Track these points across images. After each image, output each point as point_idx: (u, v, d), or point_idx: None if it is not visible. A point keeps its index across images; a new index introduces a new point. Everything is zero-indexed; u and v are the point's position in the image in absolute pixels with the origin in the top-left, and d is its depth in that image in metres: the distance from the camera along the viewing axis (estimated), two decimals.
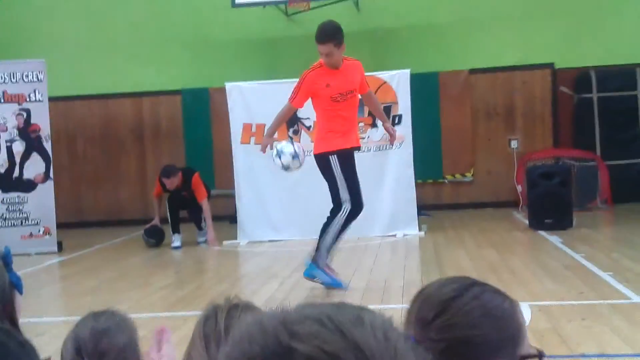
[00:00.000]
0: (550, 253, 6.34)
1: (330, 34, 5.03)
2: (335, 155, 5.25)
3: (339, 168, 5.27)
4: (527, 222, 7.92)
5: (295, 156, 5.31)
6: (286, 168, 5.40)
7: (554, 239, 7.01)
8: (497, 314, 1.12)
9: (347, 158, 5.29)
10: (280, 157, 5.30)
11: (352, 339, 0.54)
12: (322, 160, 5.32)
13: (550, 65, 10.10)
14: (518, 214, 9.15)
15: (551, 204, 7.53)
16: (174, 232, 8.14)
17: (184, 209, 8.41)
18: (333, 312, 0.57)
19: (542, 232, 7.44)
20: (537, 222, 7.61)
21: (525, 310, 4.31)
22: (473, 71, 10.19)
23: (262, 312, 1.19)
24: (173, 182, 8.17)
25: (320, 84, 5.13)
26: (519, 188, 9.51)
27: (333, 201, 5.36)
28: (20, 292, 1.62)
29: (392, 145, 5.91)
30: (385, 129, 5.66)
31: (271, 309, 0.63)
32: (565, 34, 9.98)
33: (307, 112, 8.28)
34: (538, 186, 7.71)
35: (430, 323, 1.10)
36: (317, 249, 5.31)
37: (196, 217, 8.36)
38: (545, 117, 10.19)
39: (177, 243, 8.10)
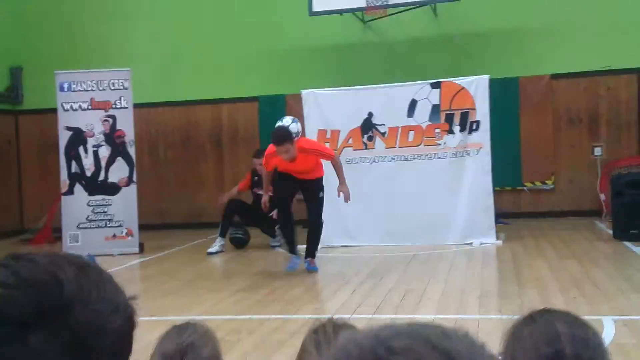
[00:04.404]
0: (635, 265, 6.08)
1: (286, 137, 6.15)
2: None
3: None
4: (610, 232, 7.62)
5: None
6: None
7: (639, 250, 6.72)
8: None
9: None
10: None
11: (443, 349, 0.59)
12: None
13: (636, 70, 9.70)
14: (601, 224, 8.82)
15: (637, 214, 7.23)
16: (220, 236, 8.21)
17: (245, 219, 8.54)
18: (420, 328, 0.62)
19: (627, 243, 7.14)
20: (622, 232, 7.32)
21: (608, 326, 4.15)
22: (555, 76, 9.90)
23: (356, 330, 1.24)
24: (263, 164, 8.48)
25: (277, 161, 6.40)
26: (602, 196, 9.16)
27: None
28: None
29: (346, 200, 6.62)
30: (338, 190, 6.55)
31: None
32: None
33: (382, 118, 8.29)
34: (623, 195, 7.41)
35: None
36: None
37: (269, 229, 8.45)
38: (630, 124, 9.79)
39: (215, 248, 8.10)
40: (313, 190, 6.58)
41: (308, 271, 6.61)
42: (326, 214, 8.23)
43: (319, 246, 6.93)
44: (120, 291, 0.81)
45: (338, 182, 6.56)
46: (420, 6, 9.40)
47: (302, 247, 8.17)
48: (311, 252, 6.75)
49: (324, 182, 6.70)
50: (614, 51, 9.70)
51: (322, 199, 6.63)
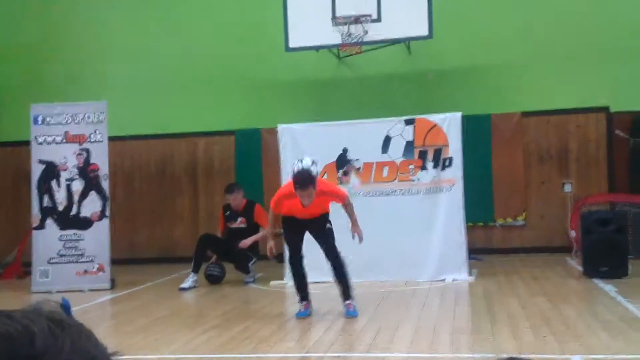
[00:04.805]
0: (605, 303, 6.16)
1: (311, 181, 5.93)
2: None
3: None
4: (581, 269, 7.72)
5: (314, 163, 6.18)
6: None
7: (609, 288, 6.82)
8: None
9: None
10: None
11: None
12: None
13: (605, 109, 9.94)
14: (571, 260, 8.94)
15: (606, 252, 7.35)
16: (192, 271, 8.15)
17: (218, 254, 8.53)
18: None
19: (597, 281, 7.24)
20: (592, 269, 7.42)
21: None
22: (525, 114, 10.10)
23: None
24: (236, 199, 8.47)
25: (291, 204, 6.16)
26: (572, 233, 9.30)
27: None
28: None
29: (360, 241, 6.32)
30: (352, 230, 6.34)
31: None
32: (620, 77, 9.83)
33: (357, 154, 8.36)
34: (593, 233, 7.53)
35: None
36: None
37: (242, 266, 8.44)
38: (600, 161, 10.00)
39: (187, 284, 8.04)
40: (320, 225, 6.26)
41: (346, 317, 6.06)
42: None
43: (351, 282, 6.27)
44: (100, 346, 0.82)
45: (350, 223, 6.31)
46: (395, 43, 9.56)
47: (276, 283, 8.16)
48: (345, 294, 6.19)
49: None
50: (583, 90, 9.94)
51: (330, 229, 6.27)
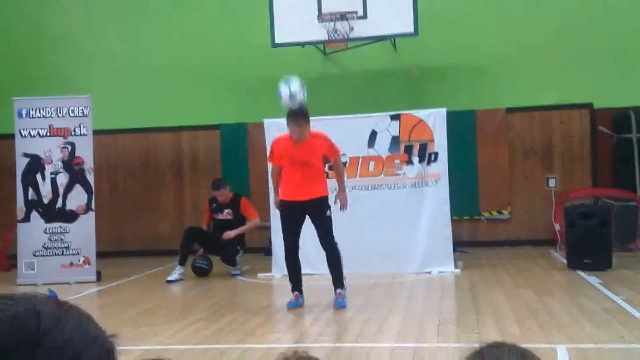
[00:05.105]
0: (589, 295, 6.24)
1: (306, 115, 6.10)
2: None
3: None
4: (565, 261, 7.81)
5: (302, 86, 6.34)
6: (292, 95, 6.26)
7: (592, 279, 6.91)
8: None
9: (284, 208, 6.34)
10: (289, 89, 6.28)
11: None
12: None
13: (588, 105, 10.05)
14: (556, 253, 9.04)
15: (590, 244, 7.44)
16: (179, 264, 8.15)
17: (204, 247, 8.54)
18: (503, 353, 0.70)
19: (581, 273, 7.33)
20: (576, 262, 7.51)
21: (562, 355, 4.25)
22: (510, 110, 10.19)
23: None
24: (224, 194, 8.52)
25: (282, 149, 6.23)
26: (557, 226, 9.40)
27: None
28: None
29: (342, 209, 6.36)
30: (336, 196, 6.42)
31: None
32: (603, 74, 9.95)
33: (343, 148, 8.37)
34: (577, 226, 7.62)
35: None
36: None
37: (229, 258, 8.45)
38: (583, 157, 10.11)
39: (174, 276, 8.05)
40: (318, 209, 6.15)
41: (335, 307, 6.06)
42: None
43: (344, 272, 6.23)
44: (99, 327, 0.84)
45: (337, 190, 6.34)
46: (380, 40, 9.60)
47: (263, 275, 8.16)
48: (336, 282, 6.16)
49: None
50: (567, 86, 10.04)
51: (329, 218, 6.16)
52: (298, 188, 6.17)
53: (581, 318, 5.30)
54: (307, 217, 6.27)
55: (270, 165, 6.69)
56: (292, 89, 6.22)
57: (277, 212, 7.94)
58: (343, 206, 6.33)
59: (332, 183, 6.86)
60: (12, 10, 11.31)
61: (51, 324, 0.77)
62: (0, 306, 0.77)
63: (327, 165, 8.36)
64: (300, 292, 6.36)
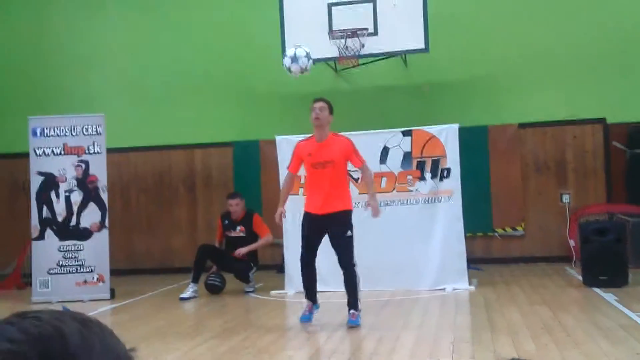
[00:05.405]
0: (605, 311, 6.18)
1: (329, 103, 6.23)
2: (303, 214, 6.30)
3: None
4: (580, 278, 7.74)
5: (308, 56, 6.51)
6: (303, 70, 6.52)
7: (608, 296, 6.83)
8: None
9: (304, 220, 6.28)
10: (298, 61, 6.49)
11: None
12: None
13: (601, 120, 10.01)
14: (571, 270, 8.96)
15: (606, 261, 7.37)
16: (192, 282, 8.14)
17: (217, 264, 8.53)
18: None
19: (597, 289, 7.26)
20: (591, 278, 7.44)
21: None
22: (522, 125, 10.16)
23: None
24: (239, 204, 8.48)
25: (305, 152, 6.18)
26: (572, 243, 9.33)
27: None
28: None
29: (374, 215, 6.21)
30: (367, 203, 6.29)
31: None
32: (617, 88, 9.92)
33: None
34: (592, 242, 7.56)
35: None
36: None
37: (242, 275, 8.44)
38: (597, 172, 10.05)
39: (187, 294, 8.03)
40: (339, 226, 5.99)
41: (349, 326, 5.95)
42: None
43: (359, 295, 6.09)
44: (121, 343, 0.84)
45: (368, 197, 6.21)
46: (391, 57, 9.63)
47: (276, 292, 8.14)
48: (350, 303, 6.06)
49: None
50: (580, 101, 10.02)
51: (350, 238, 6.00)
52: (322, 199, 6.04)
53: (597, 335, 5.24)
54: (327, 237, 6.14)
55: (287, 172, 6.52)
56: (296, 52, 6.44)
57: (289, 228, 7.94)
58: (375, 213, 6.15)
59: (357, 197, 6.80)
60: (27, 30, 11.45)
61: (78, 345, 0.77)
62: (26, 324, 0.77)
63: (357, 179, 8.38)
64: (315, 301, 6.34)
